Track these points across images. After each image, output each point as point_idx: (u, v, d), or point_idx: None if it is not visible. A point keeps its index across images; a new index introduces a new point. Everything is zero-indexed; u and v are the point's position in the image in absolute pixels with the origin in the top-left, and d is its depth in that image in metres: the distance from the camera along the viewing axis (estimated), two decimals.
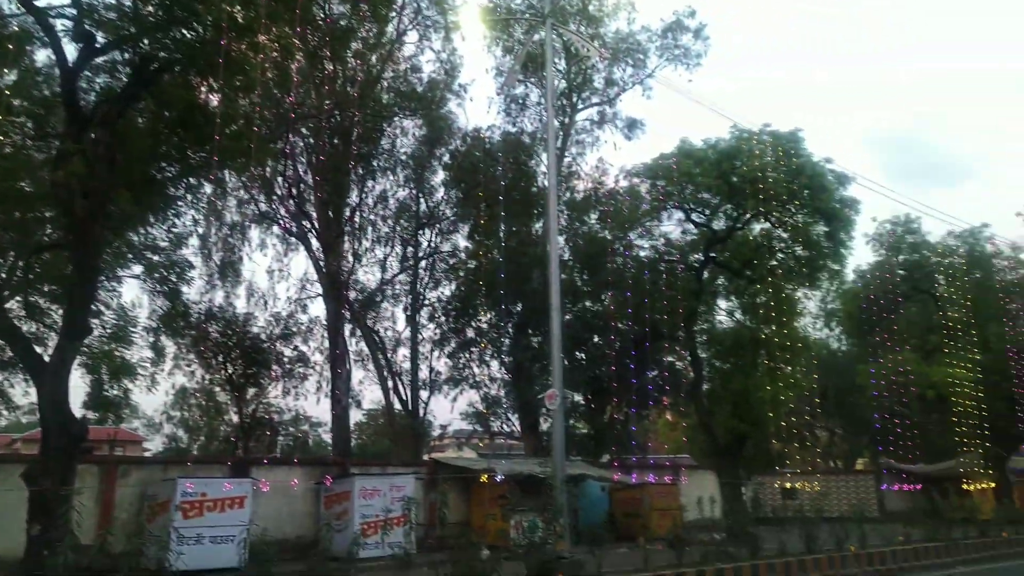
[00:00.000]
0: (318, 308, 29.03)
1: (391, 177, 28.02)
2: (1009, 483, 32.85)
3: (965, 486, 29.79)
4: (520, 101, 29.06)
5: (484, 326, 28.39)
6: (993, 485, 30.69)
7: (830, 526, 16.64)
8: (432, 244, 29.72)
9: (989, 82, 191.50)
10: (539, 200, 26.57)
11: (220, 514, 15.52)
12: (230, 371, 26.88)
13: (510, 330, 28.09)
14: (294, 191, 26.22)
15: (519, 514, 18.97)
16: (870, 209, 36.68)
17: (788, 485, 33.34)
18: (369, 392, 30.67)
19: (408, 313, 29.15)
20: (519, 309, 27.26)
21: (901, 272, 31.85)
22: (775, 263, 24.34)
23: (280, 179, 26.00)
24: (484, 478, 19.93)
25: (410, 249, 29.57)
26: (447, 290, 29.52)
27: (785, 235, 24.63)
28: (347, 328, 27.32)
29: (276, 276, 28.04)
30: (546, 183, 25.97)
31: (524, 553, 11.72)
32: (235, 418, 28.56)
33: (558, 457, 13.02)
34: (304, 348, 28.40)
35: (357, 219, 27.64)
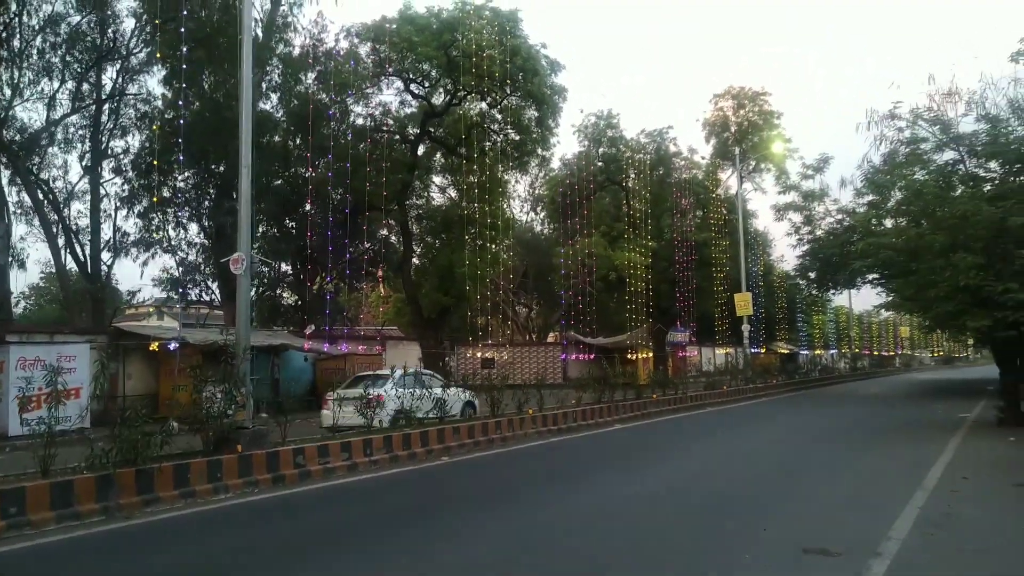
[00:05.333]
0: None
1: None
2: (665, 354, 38.66)
3: (630, 356, 34.42)
4: None
5: (182, 185, 25.66)
6: (651, 355, 35.82)
7: (514, 392, 18.10)
8: (117, 84, 25.73)
9: None
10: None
11: None
12: None
13: (211, 191, 25.78)
14: None
15: (212, 385, 18.04)
16: (576, 100, 38.96)
17: (486, 355, 35.78)
18: (38, 252, 26.71)
19: (86, 164, 25.36)
20: (222, 169, 25.00)
21: (599, 164, 34.61)
22: (488, 144, 24.98)
23: None
24: (154, 346, 18.74)
25: (87, 87, 25.37)
26: (136, 141, 26.06)
27: (499, 116, 25.24)
28: (4, 174, 23.25)
29: None
30: (260, 33, 23.57)
31: (200, 425, 11.02)
32: None
33: (242, 324, 12.30)
34: None
35: (17, 43, 22.97)
